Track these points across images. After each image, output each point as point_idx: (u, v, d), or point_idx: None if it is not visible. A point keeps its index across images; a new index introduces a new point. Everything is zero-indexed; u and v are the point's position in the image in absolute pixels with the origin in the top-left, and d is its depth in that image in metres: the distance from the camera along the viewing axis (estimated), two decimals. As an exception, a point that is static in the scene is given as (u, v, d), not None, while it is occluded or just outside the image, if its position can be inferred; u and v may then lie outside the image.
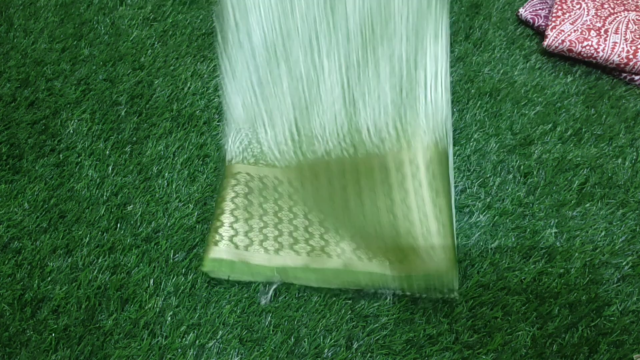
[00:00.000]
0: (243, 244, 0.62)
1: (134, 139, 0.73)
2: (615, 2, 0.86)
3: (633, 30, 0.81)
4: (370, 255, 0.61)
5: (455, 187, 0.70)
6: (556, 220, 0.67)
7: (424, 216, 0.59)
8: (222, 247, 0.61)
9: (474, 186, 0.70)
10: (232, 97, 0.70)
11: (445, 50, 0.64)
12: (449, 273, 0.58)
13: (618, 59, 0.80)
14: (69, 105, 0.76)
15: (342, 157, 0.65)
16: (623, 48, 0.80)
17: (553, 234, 0.65)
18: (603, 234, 0.66)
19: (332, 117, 0.66)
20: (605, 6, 0.84)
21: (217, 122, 0.75)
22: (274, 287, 0.60)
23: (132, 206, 0.66)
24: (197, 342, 0.57)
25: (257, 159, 0.68)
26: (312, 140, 0.67)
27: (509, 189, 0.69)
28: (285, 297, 0.60)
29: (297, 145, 0.68)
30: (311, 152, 0.67)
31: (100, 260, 0.62)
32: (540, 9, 0.89)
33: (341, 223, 0.64)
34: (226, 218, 0.63)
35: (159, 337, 0.57)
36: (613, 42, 0.80)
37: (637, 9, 0.84)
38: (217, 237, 0.62)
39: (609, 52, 0.80)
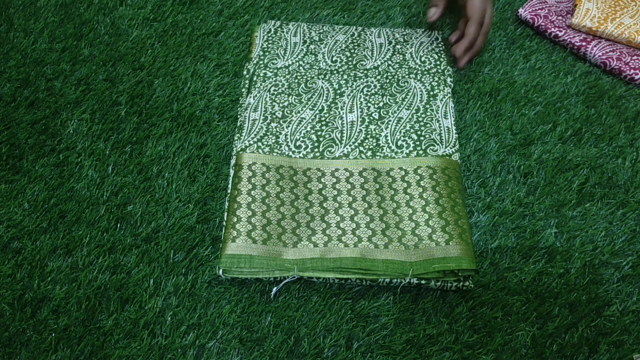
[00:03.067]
0: (261, 238, 0.61)
1: (134, 139, 0.73)
2: None
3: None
4: (387, 241, 0.62)
5: (455, 187, 0.69)
6: (556, 220, 0.67)
7: (442, 209, 0.64)
8: (240, 242, 0.60)
9: (474, 186, 0.70)
10: (250, 113, 0.74)
11: (450, 93, 0.78)
12: (465, 257, 0.60)
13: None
14: (69, 105, 0.76)
15: (360, 160, 0.69)
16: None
17: (553, 234, 0.65)
18: (603, 234, 0.66)
19: (352, 129, 0.72)
20: None
21: (217, 122, 0.75)
22: (288, 280, 0.60)
23: (132, 206, 0.66)
24: (197, 342, 0.57)
25: (271, 148, 0.70)
26: (331, 143, 0.70)
27: (509, 189, 0.69)
28: (285, 297, 0.60)
29: (315, 145, 0.71)
30: (328, 152, 0.70)
31: (100, 260, 0.62)
32: (539, 8, 0.89)
33: (356, 212, 0.65)
34: (243, 212, 0.63)
35: (159, 337, 0.57)
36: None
37: None
38: (235, 233, 0.61)
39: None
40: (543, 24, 0.87)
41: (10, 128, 0.73)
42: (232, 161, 0.70)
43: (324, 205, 0.65)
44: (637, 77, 0.80)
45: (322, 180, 0.67)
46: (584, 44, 0.84)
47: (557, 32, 0.86)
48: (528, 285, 0.62)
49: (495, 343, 0.58)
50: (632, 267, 0.63)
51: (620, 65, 0.81)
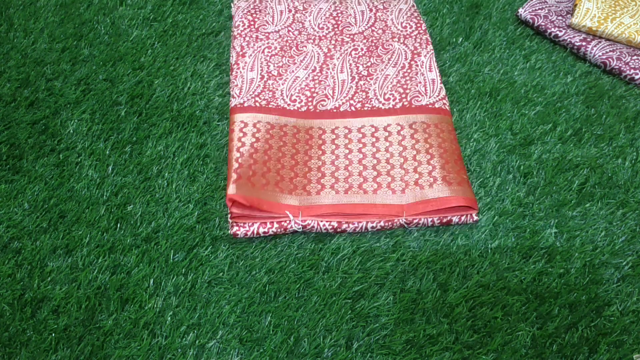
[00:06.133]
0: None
1: (134, 139, 0.73)
2: None
3: None
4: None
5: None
6: (556, 220, 0.67)
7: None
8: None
9: (474, 186, 0.70)
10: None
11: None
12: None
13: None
14: (69, 105, 0.76)
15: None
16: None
17: (553, 234, 0.65)
18: (603, 234, 0.66)
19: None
20: None
21: (217, 122, 0.75)
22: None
23: (132, 206, 0.66)
24: (197, 342, 0.57)
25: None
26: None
27: (509, 189, 0.69)
28: (285, 297, 0.60)
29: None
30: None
31: (100, 260, 0.62)
32: (539, 8, 0.89)
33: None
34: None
35: (159, 337, 0.57)
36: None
37: None
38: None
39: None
40: (543, 23, 0.87)
41: (10, 128, 0.73)
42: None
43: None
44: (637, 77, 0.80)
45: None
46: (584, 43, 0.84)
47: (557, 32, 0.86)
48: (528, 285, 0.62)
49: (495, 343, 0.58)
50: (632, 267, 0.63)
51: (620, 65, 0.81)
